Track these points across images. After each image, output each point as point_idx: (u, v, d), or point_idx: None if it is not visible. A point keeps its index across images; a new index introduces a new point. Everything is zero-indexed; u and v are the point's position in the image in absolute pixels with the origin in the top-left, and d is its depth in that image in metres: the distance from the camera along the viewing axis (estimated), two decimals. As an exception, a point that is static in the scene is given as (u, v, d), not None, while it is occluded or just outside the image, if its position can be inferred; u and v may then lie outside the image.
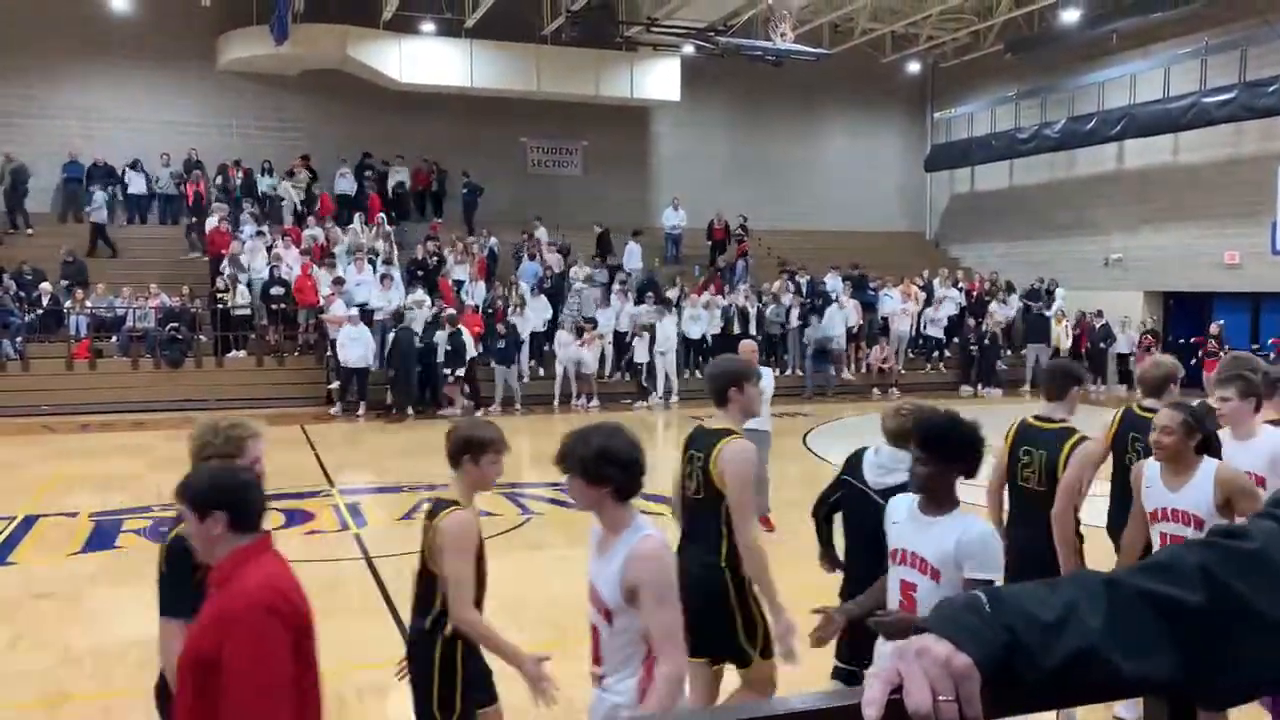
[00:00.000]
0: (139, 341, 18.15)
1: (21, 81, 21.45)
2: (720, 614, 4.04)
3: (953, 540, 3.21)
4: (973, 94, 27.11)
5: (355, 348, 17.09)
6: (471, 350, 17.57)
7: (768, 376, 9.40)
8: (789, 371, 20.30)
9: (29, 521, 9.66)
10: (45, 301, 18.31)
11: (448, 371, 17.29)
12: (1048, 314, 21.62)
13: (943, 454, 3.24)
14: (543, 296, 19.86)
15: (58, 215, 21.50)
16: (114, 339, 18.30)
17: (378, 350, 17.55)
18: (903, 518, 3.43)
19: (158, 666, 3.28)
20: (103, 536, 9.34)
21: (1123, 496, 4.78)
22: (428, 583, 3.61)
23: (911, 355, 21.58)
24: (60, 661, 5.92)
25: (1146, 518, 4.26)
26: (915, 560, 3.33)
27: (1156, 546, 4.16)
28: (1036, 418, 4.89)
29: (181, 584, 2.99)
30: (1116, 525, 4.81)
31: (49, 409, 16.85)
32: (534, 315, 19.02)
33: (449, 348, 17.29)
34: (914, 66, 27.33)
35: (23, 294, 18.20)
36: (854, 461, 4.40)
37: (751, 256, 23.84)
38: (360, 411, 17.16)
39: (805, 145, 27.62)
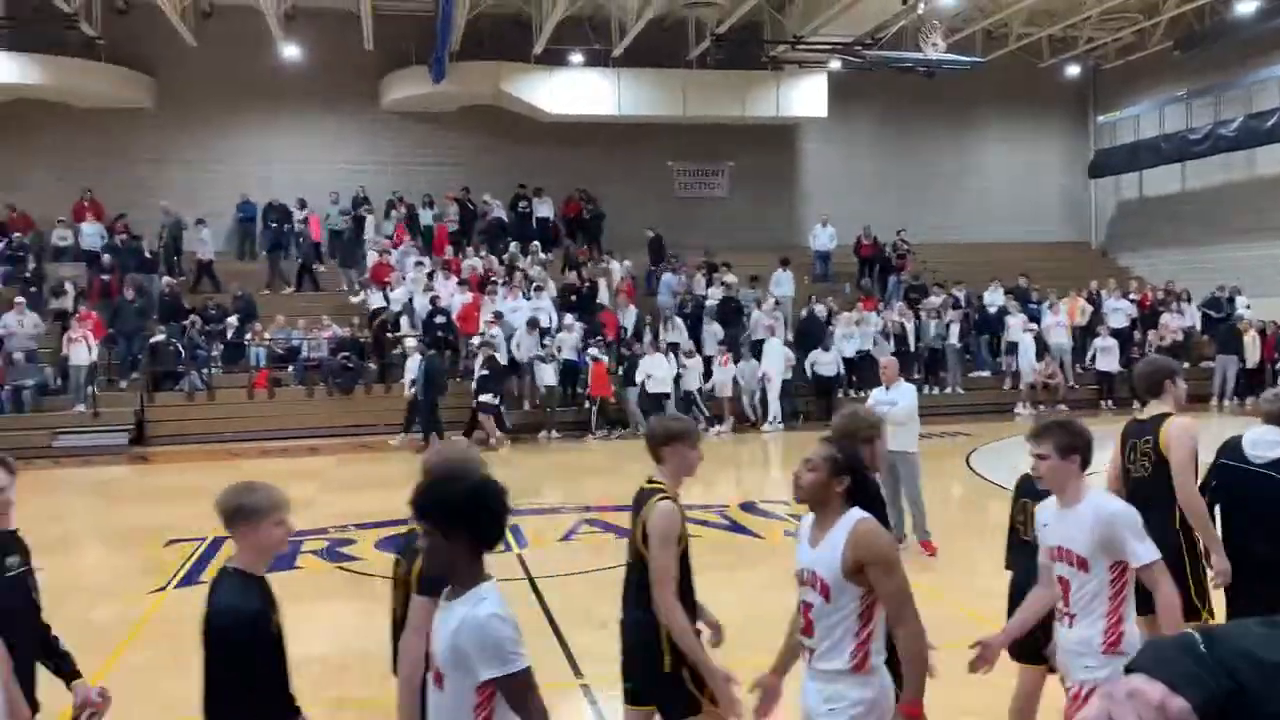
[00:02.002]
0: (314, 371, 19.12)
1: (204, 130, 23.03)
2: (1178, 574, 4.35)
3: (451, 631, 2.59)
4: (1139, 95, 25.86)
5: (409, 381, 17.33)
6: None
7: (909, 395, 9.07)
8: (949, 390, 19.73)
9: (217, 543, 10.25)
10: (229, 335, 19.48)
11: (483, 399, 16.88)
12: (1238, 324, 20.29)
13: (445, 524, 2.61)
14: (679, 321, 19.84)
15: (235, 253, 22.87)
16: (290, 369, 19.33)
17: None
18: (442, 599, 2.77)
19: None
20: (282, 558, 9.82)
21: None
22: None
23: (1081, 370, 20.60)
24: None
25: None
26: (430, 653, 2.74)
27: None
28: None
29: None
30: None
31: (232, 436, 17.94)
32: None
33: (484, 372, 17.00)
34: (1074, 70, 26.30)
35: (209, 328, 19.44)
36: (1231, 445, 4.77)
37: (908, 272, 23.31)
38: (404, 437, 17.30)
39: (959, 156, 26.90)
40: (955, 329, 20.20)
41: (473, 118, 24.05)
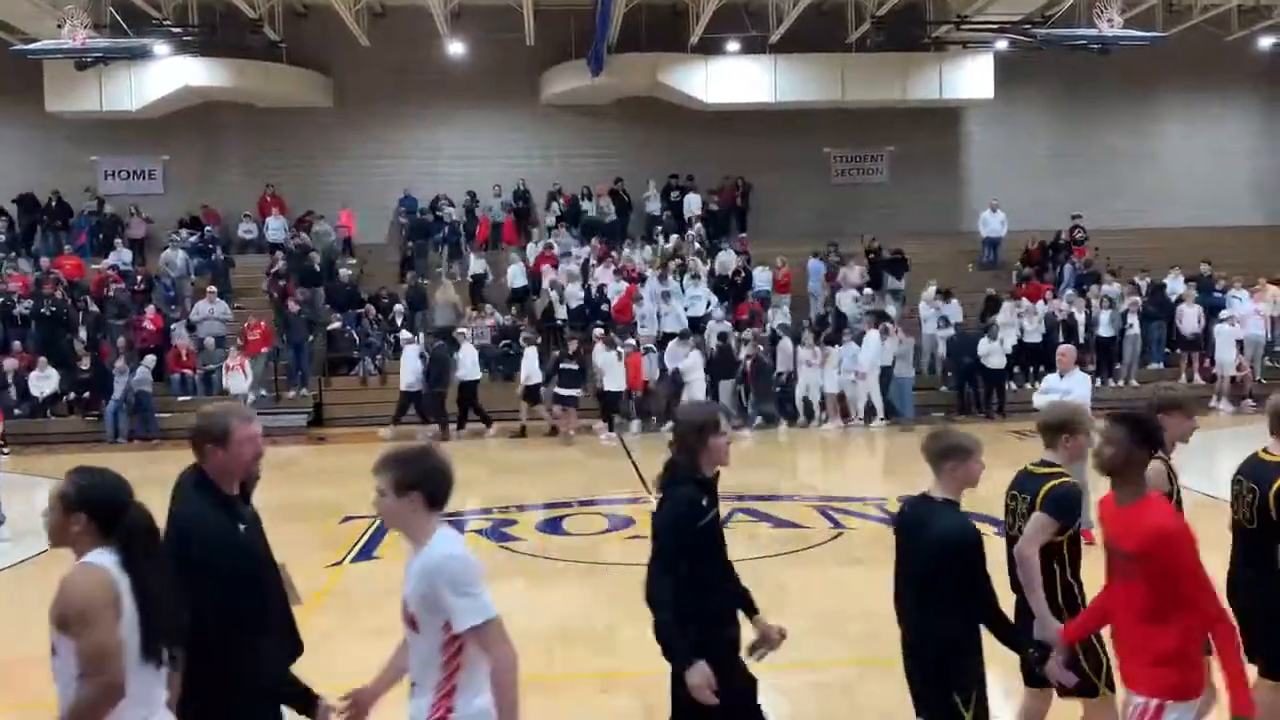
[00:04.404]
0: (476, 357, 19.71)
1: (376, 126, 24.07)
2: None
3: None
4: (1342, 66, 23.91)
5: (405, 373, 17.41)
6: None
7: (1084, 384, 9.05)
8: (1122, 382, 18.80)
9: (389, 521, 10.74)
10: (400, 323, 20.31)
11: (561, 392, 16.76)
12: None
13: None
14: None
15: (398, 246, 23.73)
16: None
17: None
18: None
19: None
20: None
21: None
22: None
23: (1270, 363, 19.26)
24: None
25: None
26: None
27: None
28: None
29: None
30: None
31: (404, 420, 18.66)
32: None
33: (572, 367, 16.90)
34: (1266, 42, 24.48)
35: (380, 316, 20.31)
36: None
37: (1082, 260, 22.23)
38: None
39: (1136, 138, 25.49)
40: (1134, 318, 19.17)
41: (629, 109, 24.29)
